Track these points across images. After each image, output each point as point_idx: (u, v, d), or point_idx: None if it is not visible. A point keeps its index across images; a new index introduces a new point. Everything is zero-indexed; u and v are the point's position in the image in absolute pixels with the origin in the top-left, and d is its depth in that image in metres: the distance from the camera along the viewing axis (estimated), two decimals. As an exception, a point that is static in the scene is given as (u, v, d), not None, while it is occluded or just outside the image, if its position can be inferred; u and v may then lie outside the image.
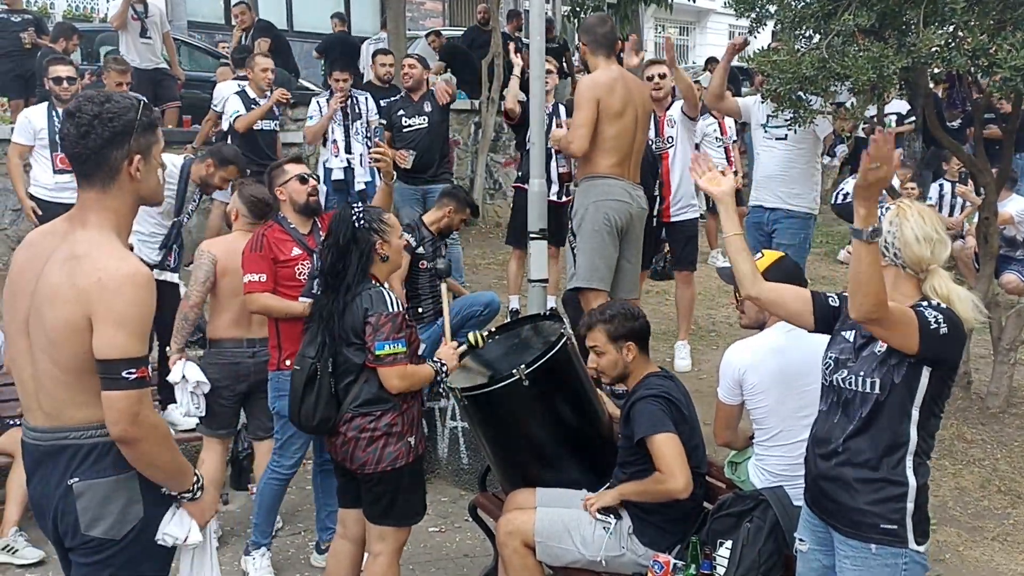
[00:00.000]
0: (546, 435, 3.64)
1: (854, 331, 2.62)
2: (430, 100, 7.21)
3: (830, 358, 2.65)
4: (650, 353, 3.54)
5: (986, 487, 4.84)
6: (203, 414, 4.37)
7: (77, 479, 2.25)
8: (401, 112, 7.16)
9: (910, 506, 2.50)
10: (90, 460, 2.25)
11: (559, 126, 5.21)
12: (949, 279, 2.53)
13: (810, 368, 2.90)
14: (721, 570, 3.11)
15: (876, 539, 2.51)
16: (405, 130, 7.11)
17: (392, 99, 7.45)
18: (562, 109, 6.81)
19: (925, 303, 2.49)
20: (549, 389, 3.54)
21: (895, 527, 2.50)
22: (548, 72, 6.33)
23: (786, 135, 5.60)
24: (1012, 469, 5.02)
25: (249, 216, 4.44)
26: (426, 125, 7.12)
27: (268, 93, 7.08)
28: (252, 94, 7.09)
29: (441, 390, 4.72)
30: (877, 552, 2.51)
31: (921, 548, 2.53)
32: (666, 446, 3.24)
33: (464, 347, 3.68)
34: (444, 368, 3.44)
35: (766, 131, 5.81)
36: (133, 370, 2.16)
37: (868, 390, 2.52)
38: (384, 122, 7.28)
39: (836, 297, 2.70)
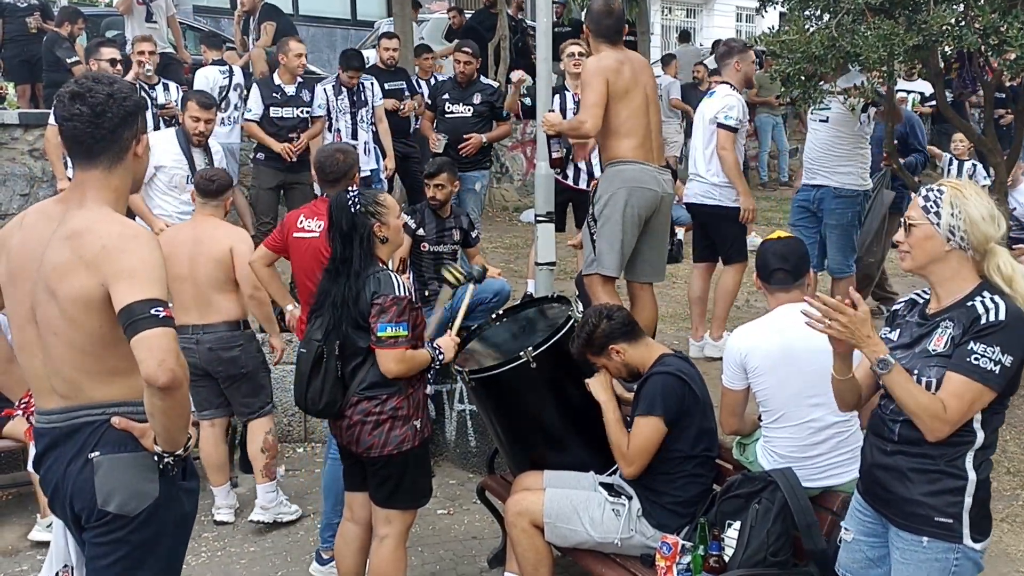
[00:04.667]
0: (554, 417, 3.64)
1: (899, 331, 2.53)
2: (480, 92, 7.12)
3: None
4: (657, 336, 3.53)
5: (995, 468, 4.81)
6: None
7: (98, 453, 2.26)
8: (446, 97, 7.09)
9: (968, 500, 2.37)
10: (112, 434, 2.26)
11: (551, 111, 5.12)
12: (1010, 257, 2.41)
13: (811, 349, 2.87)
14: (729, 551, 3.11)
15: (928, 532, 2.39)
16: (447, 115, 7.05)
17: (442, 81, 7.38)
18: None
19: (983, 297, 2.36)
20: (557, 371, 3.54)
21: (950, 520, 2.38)
22: (579, 55, 6.30)
23: (827, 117, 5.66)
24: (1021, 450, 5.00)
25: (200, 197, 4.52)
26: (469, 115, 7.04)
27: (300, 80, 6.87)
28: (279, 81, 6.82)
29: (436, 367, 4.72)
30: (928, 546, 2.39)
31: (978, 546, 2.40)
32: (642, 431, 3.30)
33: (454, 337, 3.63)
34: (441, 356, 3.43)
35: (812, 113, 5.80)
36: (160, 308, 2.13)
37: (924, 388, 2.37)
38: (429, 101, 7.23)
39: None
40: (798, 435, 3.26)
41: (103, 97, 2.23)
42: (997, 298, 2.35)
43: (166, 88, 6.70)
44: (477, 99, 7.05)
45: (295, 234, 4.07)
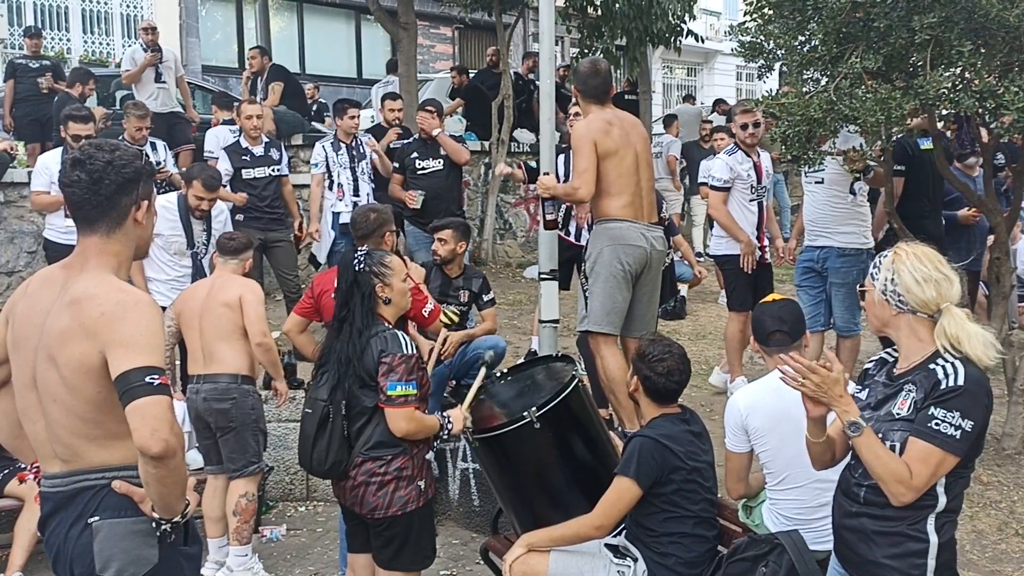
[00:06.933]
0: (558, 477, 3.62)
1: (867, 390, 2.57)
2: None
3: None
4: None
5: (1004, 530, 4.78)
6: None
7: (97, 518, 2.25)
8: (415, 155, 7.14)
9: (931, 563, 2.39)
10: (111, 499, 2.26)
11: (545, 173, 5.18)
12: (962, 318, 2.41)
13: None
14: (736, 615, 3.08)
15: None
16: (419, 172, 7.10)
17: (406, 142, 7.45)
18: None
19: (944, 361, 2.38)
20: (561, 431, 3.53)
21: None
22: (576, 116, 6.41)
23: (822, 179, 5.79)
24: (1030, 512, 4.95)
25: (220, 254, 4.77)
26: (441, 168, 7.11)
27: (262, 140, 6.93)
28: (245, 143, 6.89)
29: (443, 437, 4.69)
30: None
31: None
32: (614, 489, 3.26)
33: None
34: (449, 426, 3.44)
35: (807, 176, 5.90)
36: (155, 376, 2.13)
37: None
38: (397, 164, 7.24)
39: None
40: (804, 496, 3.24)
41: (102, 164, 2.27)
42: (957, 363, 2.37)
43: (153, 148, 6.76)
44: (443, 151, 7.14)
45: (333, 294, 4.08)
